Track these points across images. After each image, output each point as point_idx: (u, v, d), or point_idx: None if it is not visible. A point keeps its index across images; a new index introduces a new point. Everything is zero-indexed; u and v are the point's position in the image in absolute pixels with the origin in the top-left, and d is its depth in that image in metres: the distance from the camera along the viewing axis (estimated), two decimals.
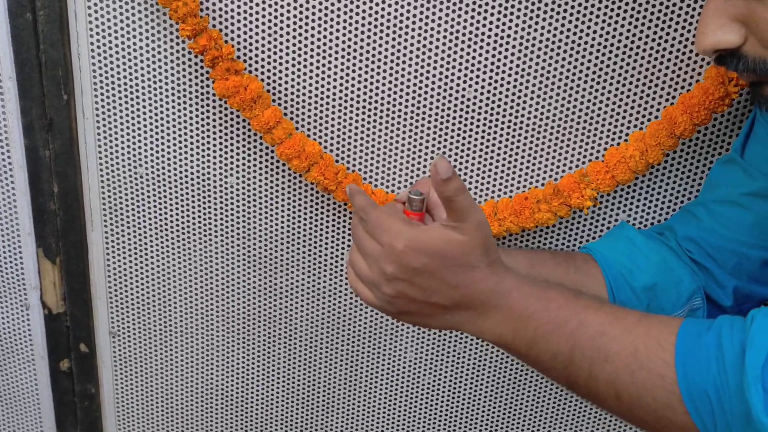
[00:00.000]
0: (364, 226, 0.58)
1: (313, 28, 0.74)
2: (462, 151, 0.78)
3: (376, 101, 0.76)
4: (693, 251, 0.70)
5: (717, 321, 0.50)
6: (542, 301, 0.55)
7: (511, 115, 0.76)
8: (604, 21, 0.72)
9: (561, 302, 0.55)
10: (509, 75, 0.74)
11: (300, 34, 0.74)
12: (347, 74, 0.75)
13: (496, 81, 0.75)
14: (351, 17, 0.73)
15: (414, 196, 0.59)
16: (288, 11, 0.73)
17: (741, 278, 0.68)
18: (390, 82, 0.75)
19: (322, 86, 0.76)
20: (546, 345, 0.54)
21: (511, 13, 0.72)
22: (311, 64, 0.75)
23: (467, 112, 0.76)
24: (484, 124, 0.77)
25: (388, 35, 0.73)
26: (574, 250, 0.80)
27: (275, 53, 0.75)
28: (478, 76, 0.74)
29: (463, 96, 0.75)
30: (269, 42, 0.74)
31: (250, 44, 0.74)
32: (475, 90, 0.75)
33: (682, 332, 0.50)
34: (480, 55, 0.74)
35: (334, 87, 0.76)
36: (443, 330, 0.78)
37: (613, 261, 0.70)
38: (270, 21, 0.73)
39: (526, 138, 0.77)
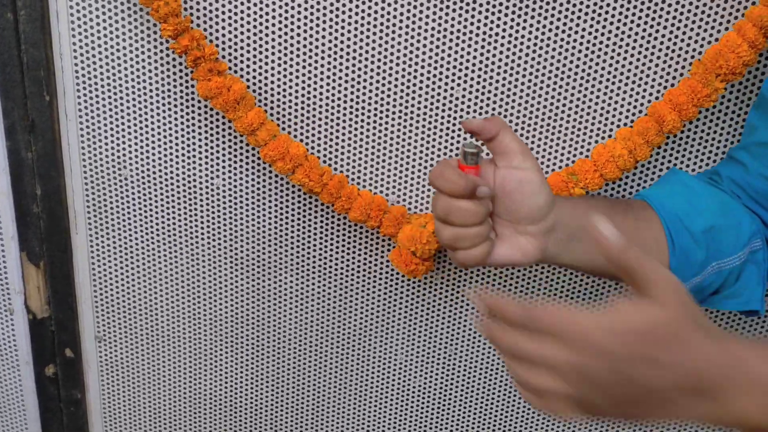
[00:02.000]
0: (526, 336, 0.48)
1: (298, 27, 0.73)
2: (450, 151, 0.77)
3: (362, 101, 0.76)
4: (741, 197, 0.68)
5: None
6: None
7: (498, 114, 0.75)
8: (592, 18, 0.71)
9: None
10: (497, 74, 0.74)
11: (285, 34, 0.73)
12: (333, 74, 0.75)
13: (484, 80, 0.74)
14: (337, 15, 0.72)
15: (469, 150, 0.53)
16: (273, 10, 0.72)
17: None
18: (377, 81, 0.75)
19: (308, 87, 0.75)
20: None
21: (499, 11, 0.71)
22: (296, 64, 0.74)
23: (455, 112, 0.76)
24: None
25: (375, 34, 0.73)
26: (629, 199, 0.76)
27: (259, 54, 0.74)
28: (466, 75, 0.74)
29: (451, 95, 0.75)
30: (253, 42, 0.74)
31: (234, 45, 0.74)
32: (464, 89, 0.74)
33: None
34: (468, 53, 0.73)
35: (320, 87, 0.75)
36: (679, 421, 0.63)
37: (671, 206, 0.66)
38: (254, 21, 0.73)
39: None
